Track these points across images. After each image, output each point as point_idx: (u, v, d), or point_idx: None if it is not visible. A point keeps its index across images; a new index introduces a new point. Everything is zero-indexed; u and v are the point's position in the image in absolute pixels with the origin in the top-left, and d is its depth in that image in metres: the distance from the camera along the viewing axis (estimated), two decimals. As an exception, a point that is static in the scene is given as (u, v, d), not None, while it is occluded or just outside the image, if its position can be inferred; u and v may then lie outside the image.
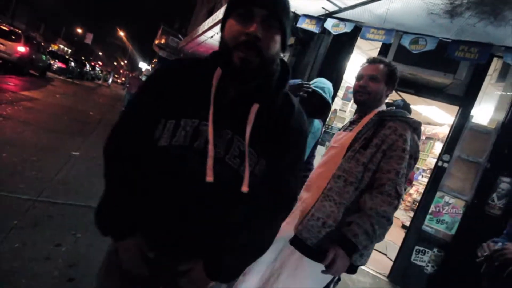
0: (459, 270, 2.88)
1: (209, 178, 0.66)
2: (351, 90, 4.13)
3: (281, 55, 0.75)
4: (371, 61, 1.30)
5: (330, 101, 2.04)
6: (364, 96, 1.26)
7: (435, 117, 6.15)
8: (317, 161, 1.59)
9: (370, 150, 1.17)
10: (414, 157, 1.16)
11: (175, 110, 0.70)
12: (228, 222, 0.72)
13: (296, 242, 1.22)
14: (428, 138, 6.88)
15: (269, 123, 0.72)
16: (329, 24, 3.00)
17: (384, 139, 1.16)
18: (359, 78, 1.30)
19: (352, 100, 2.81)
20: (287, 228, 1.25)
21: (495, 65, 3.25)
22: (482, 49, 2.32)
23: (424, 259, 3.11)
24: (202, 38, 6.59)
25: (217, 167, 0.67)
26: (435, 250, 3.06)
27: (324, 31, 3.19)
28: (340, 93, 3.66)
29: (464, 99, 3.01)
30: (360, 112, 1.34)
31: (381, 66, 1.26)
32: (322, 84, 2.05)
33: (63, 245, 1.83)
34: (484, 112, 3.47)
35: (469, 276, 2.99)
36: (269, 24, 0.66)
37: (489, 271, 1.71)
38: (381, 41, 2.74)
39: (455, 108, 3.16)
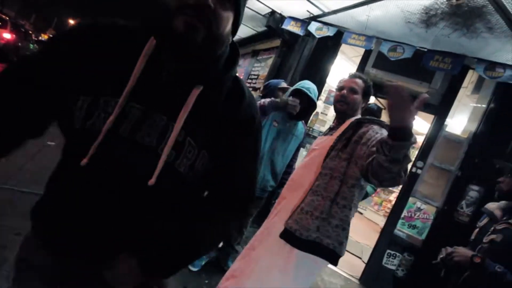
0: (427, 274, 2.95)
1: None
2: (333, 93, 4.21)
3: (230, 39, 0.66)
4: (352, 76, 1.49)
5: (316, 101, 2.09)
6: (343, 106, 1.43)
7: (415, 126, 6.31)
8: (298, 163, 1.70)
9: (350, 146, 1.31)
10: None
11: (91, 84, 0.58)
12: (162, 220, 0.65)
13: (286, 235, 1.32)
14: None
15: (213, 110, 0.64)
16: (313, 27, 3.04)
17: (362, 135, 1.29)
18: (340, 89, 1.48)
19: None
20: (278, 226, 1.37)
21: (471, 77, 3.36)
22: (456, 60, 2.40)
23: (395, 262, 3.16)
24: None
25: (146, 159, 0.58)
26: (405, 254, 3.13)
27: (309, 34, 3.23)
28: (323, 96, 3.71)
29: (439, 108, 3.10)
30: (339, 119, 1.49)
31: (360, 81, 1.45)
32: (307, 85, 2.10)
33: (23, 234, 1.78)
34: (458, 122, 3.58)
35: (436, 280, 3.07)
36: (223, 1, 0.57)
37: (447, 276, 1.78)
38: (362, 47, 2.79)
39: (432, 117, 3.25)
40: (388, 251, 3.15)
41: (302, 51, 3.26)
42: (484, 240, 1.49)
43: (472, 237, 1.64)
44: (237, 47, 0.70)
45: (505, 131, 2.79)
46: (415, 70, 2.78)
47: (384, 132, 1.22)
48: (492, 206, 1.62)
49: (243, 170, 0.71)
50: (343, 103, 1.42)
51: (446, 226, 2.92)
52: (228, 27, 0.60)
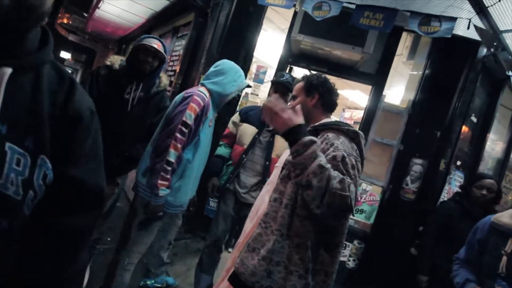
0: (379, 261, 2.69)
1: None
2: (264, 70, 3.71)
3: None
4: (295, 83, 1.30)
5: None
6: None
7: (360, 101, 6.22)
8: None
9: None
10: (351, 164, 0.97)
11: None
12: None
13: (232, 278, 1.09)
14: (356, 122, 7.03)
15: (35, 101, 0.48)
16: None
17: None
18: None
19: (266, 82, 2.43)
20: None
21: (405, 41, 3.11)
22: (388, 15, 2.02)
23: (345, 253, 2.85)
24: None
25: None
26: (355, 242, 2.82)
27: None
28: (251, 73, 3.18)
29: (376, 77, 2.78)
30: None
31: (300, 84, 1.24)
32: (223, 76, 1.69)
33: None
34: (396, 92, 3.35)
35: (389, 267, 2.88)
36: None
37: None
38: (282, 6, 2.29)
39: (369, 90, 2.94)
40: (337, 241, 2.82)
41: (217, 19, 2.66)
42: None
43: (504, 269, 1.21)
44: (48, 29, 0.55)
45: (443, 97, 2.56)
46: (346, 34, 2.38)
47: (341, 144, 0.99)
48: (505, 220, 1.24)
49: (88, 172, 0.57)
50: None
51: (393, 207, 2.66)
52: (48, 2, 0.47)
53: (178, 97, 1.60)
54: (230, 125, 2.03)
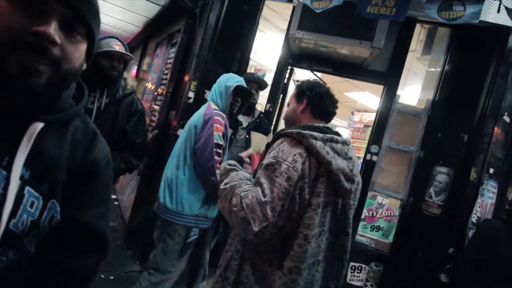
0: (399, 285, 2.32)
1: None
2: (262, 73, 3.44)
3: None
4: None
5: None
6: (286, 123, 1.25)
7: (369, 104, 5.87)
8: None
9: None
10: (279, 170, 0.93)
11: None
12: None
13: None
14: (366, 126, 6.68)
15: (58, 152, 0.54)
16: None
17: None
18: None
19: (264, 87, 2.30)
20: None
21: (419, 35, 2.79)
22: (399, 1, 1.72)
23: (361, 277, 2.49)
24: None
25: None
26: (372, 265, 2.47)
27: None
28: (249, 78, 2.91)
29: (388, 75, 2.46)
30: None
31: (293, 91, 1.23)
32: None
33: None
34: (411, 92, 3.01)
35: None
36: (72, 29, 0.49)
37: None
38: (278, 0, 2.02)
39: (380, 91, 2.61)
40: (352, 263, 2.47)
41: (207, 20, 2.42)
42: None
43: None
44: (83, 84, 0.63)
45: (468, 95, 2.22)
46: (351, 27, 2.09)
47: (275, 151, 0.98)
48: None
49: (97, 218, 0.61)
50: (285, 121, 1.26)
51: (416, 223, 2.30)
52: (82, 58, 0.54)
53: (195, 121, 1.60)
54: None
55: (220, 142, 1.54)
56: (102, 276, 2.26)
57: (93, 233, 0.59)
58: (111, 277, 2.28)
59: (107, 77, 1.45)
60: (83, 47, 0.52)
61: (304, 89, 1.14)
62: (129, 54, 1.47)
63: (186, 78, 2.58)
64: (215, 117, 1.55)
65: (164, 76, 3.59)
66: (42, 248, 0.55)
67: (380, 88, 2.57)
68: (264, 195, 0.89)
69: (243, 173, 1.06)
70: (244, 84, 1.75)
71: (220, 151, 1.55)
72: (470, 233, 2.08)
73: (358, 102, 6.17)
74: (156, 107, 3.41)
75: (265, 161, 0.97)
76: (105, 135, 1.57)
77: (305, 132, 0.97)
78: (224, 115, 1.61)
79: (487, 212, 2.17)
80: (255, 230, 0.87)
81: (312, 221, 0.94)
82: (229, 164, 1.10)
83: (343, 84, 5.26)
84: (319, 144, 0.96)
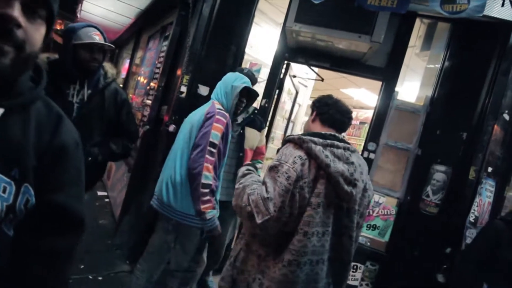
0: (395, 285, 2.29)
1: None
2: (257, 67, 3.35)
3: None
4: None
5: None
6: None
7: (366, 100, 5.83)
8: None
9: None
10: (282, 171, 1.04)
11: None
12: None
13: None
14: (362, 122, 6.65)
15: (25, 136, 0.54)
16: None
17: None
18: None
19: (261, 80, 2.31)
20: None
21: (418, 31, 2.73)
22: (401, -7, 1.64)
23: (357, 276, 2.46)
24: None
25: None
26: (368, 264, 2.43)
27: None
28: (244, 73, 2.82)
29: (387, 71, 2.40)
30: None
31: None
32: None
33: None
34: (410, 89, 2.96)
35: None
36: (34, 11, 0.50)
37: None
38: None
39: (379, 88, 2.56)
40: (347, 263, 2.43)
41: (200, 11, 2.31)
42: None
43: None
44: (40, 65, 0.63)
45: (468, 92, 2.17)
46: (351, 20, 2.01)
47: (279, 155, 1.09)
48: None
49: (72, 198, 0.62)
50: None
51: (413, 222, 2.27)
52: (41, 41, 0.54)
53: (196, 119, 1.57)
54: None
55: (215, 142, 1.50)
56: (90, 277, 2.18)
57: (67, 214, 0.61)
58: (100, 278, 2.21)
59: (87, 69, 1.41)
60: (43, 29, 0.53)
61: (314, 102, 1.28)
62: (109, 44, 1.43)
63: (179, 72, 2.48)
64: (217, 116, 1.53)
65: (157, 70, 3.48)
66: (20, 231, 0.56)
67: (377, 84, 2.51)
68: (267, 192, 1.00)
69: (257, 177, 1.19)
70: (250, 84, 1.73)
71: (214, 150, 1.51)
72: (468, 233, 2.06)
73: (354, 99, 6.13)
74: (149, 102, 3.31)
75: (271, 163, 1.09)
76: (94, 125, 1.50)
77: (306, 137, 1.07)
78: (227, 115, 1.58)
79: (485, 212, 2.14)
80: (258, 222, 0.98)
81: (311, 219, 1.02)
82: (247, 169, 1.23)
83: (339, 81, 5.20)
84: (318, 148, 1.04)
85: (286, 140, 1.17)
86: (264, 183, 1.05)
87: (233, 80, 1.67)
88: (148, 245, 1.73)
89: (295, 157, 1.04)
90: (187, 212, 1.54)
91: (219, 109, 1.59)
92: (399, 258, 2.28)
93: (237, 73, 1.75)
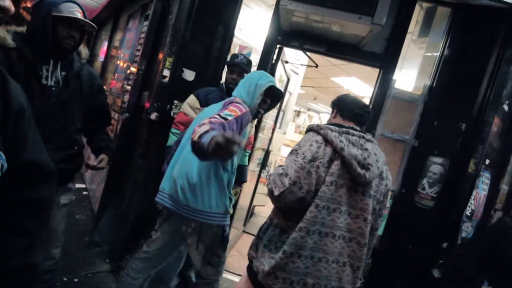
0: (390, 282, 2.25)
1: None
2: (247, 51, 3.14)
3: None
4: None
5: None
6: None
7: (356, 90, 5.74)
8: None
9: None
10: (296, 152, 1.20)
11: None
12: None
13: (248, 268, 1.32)
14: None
15: None
16: None
17: None
18: None
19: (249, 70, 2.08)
20: None
21: (417, 16, 2.59)
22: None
23: (349, 271, 2.40)
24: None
25: None
26: (361, 258, 2.37)
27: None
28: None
29: (385, 57, 2.27)
30: None
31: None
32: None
33: None
34: (407, 77, 2.85)
35: (400, 285, 2.45)
36: None
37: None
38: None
39: (375, 78, 2.43)
40: (340, 257, 2.36)
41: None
42: None
43: None
44: None
45: (468, 81, 2.08)
46: (352, 0, 1.84)
47: (300, 140, 1.24)
48: None
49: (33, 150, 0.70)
50: None
51: (407, 215, 2.20)
52: None
53: (211, 111, 1.46)
54: (187, 110, 1.92)
55: (228, 117, 1.30)
56: (65, 278, 1.99)
57: (38, 167, 0.70)
58: (76, 280, 2.02)
59: (62, 47, 1.26)
60: None
61: (334, 101, 1.40)
62: (92, 24, 1.28)
63: (161, 54, 2.25)
64: (234, 103, 1.42)
65: (137, 53, 3.19)
66: (1, 189, 0.62)
67: (369, 73, 2.39)
68: (284, 170, 1.15)
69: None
70: (275, 83, 1.58)
71: (218, 119, 1.27)
72: (463, 226, 2.01)
73: (344, 88, 6.03)
74: (129, 88, 3.05)
75: (292, 148, 1.23)
76: (75, 111, 1.38)
77: (323, 125, 1.23)
78: (248, 109, 1.46)
79: (480, 204, 2.10)
80: (276, 194, 1.13)
81: (323, 194, 1.14)
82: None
83: (331, 69, 5.07)
84: (334, 134, 1.17)
85: (308, 129, 1.31)
86: (285, 164, 1.20)
87: (257, 78, 1.53)
88: (148, 244, 1.58)
89: (312, 141, 1.18)
90: (208, 210, 1.42)
91: (238, 102, 1.47)
92: (394, 253, 2.22)
93: (262, 71, 1.65)
